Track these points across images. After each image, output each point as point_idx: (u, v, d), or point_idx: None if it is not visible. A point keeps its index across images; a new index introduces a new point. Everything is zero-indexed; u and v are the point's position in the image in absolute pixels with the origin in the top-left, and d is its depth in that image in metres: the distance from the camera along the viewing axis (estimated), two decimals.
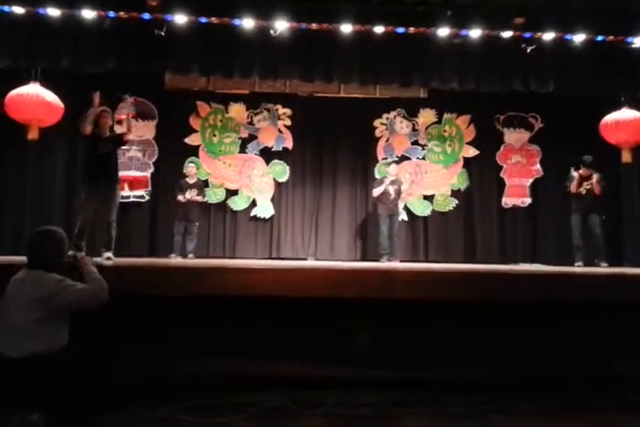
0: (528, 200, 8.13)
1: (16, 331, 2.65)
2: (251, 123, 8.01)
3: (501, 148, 8.21)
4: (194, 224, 7.13)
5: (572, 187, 6.71)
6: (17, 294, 2.69)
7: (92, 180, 5.09)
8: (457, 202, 8.11)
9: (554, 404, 3.55)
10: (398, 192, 7.27)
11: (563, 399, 3.58)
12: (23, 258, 2.94)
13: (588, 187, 6.65)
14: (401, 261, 7.27)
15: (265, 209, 7.88)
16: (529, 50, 6.14)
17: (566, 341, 3.90)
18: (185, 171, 7.32)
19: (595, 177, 6.65)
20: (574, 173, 6.76)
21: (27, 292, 2.67)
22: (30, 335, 2.64)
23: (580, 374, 3.78)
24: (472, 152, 8.19)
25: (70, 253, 3.06)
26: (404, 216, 7.80)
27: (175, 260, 6.69)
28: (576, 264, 6.53)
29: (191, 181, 7.22)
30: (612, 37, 6.15)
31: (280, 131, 8.03)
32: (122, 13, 5.87)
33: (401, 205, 7.60)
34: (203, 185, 7.42)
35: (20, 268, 2.88)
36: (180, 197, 7.02)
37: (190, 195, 7.03)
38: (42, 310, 2.66)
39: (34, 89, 6.06)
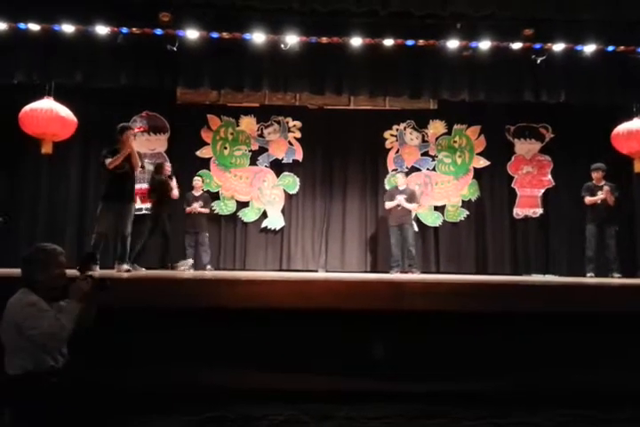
0: (540, 210, 8.07)
1: (6, 347, 2.61)
2: (261, 135, 8.07)
3: (512, 158, 8.19)
4: (204, 235, 7.21)
5: (587, 198, 6.64)
6: (5, 311, 2.65)
7: (108, 197, 5.30)
8: (468, 213, 8.08)
9: (569, 418, 3.49)
10: (411, 199, 7.24)
11: (579, 414, 3.52)
12: None
13: (602, 196, 6.59)
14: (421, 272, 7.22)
15: (275, 221, 7.90)
16: (539, 61, 6.15)
17: (582, 353, 3.85)
18: (193, 184, 7.43)
19: (606, 187, 6.59)
20: (589, 183, 6.72)
21: (7, 310, 2.63)
22: (17, 354, 2.59)
23: (598, 387, 3.71)
24: (482, 163, 8.17)
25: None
26: (415, 227, 7.76)
27: (185, 271, 6.71)
28: (588, 275, 6.46)
29: (197, 193, 7.37)
30: (622, 47, 6.15)
31: (290, 143, 8.07)
32: (134, 29, 5.97)
33: (412, 215, 7.58)
34: (209, 197, 7.52)
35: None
36: (186, 209, 7.20)
37: (195, 206, 7.18)
38: (15, 330, 2.57)
39: (48, 104, 6.15)
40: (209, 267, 7.04)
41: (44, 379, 2.56)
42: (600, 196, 6.60)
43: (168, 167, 6.60)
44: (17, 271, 4.17)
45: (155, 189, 6.41)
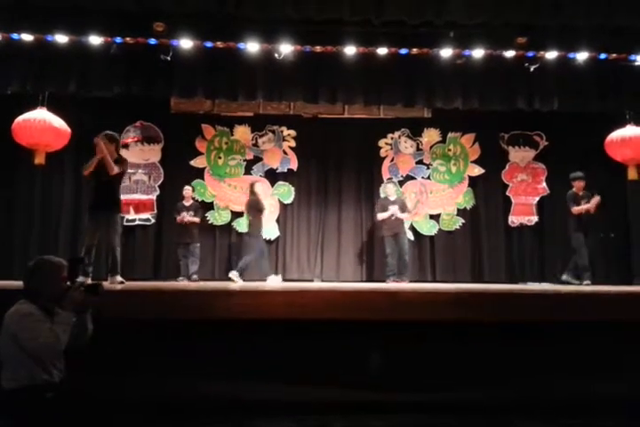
0: (535, 218, 8.07)
1: (3, 360, 2.58)
2: (256, 145, 8.05)
3: (507, 166, 8.20)
4: (195, 246, 7.15)
5: (574, 207, 6.66)
6: (3, 323, 2.63)
7: (93, 207, 5.30)
8: (463, 221, 8.07)
9: None
10: (403, 209, 7.23)
11: (584, 423, 3.48)
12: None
13: (588, 205, 6.61)
14: (409, 281, 7.20)
15: (270, 231, 7.85)
16: (532, 69, 6.18)
17: (581, 361, 3.82)
18: (182, 193, 7.37)
19: (597, 197, 6.61)
20: (571, 192, 6.76)
21: (4, 322, 2.60)
22: (12, 366, 2.56)
23: (595, 396, 3.68)
24: (477, 171, 8.18)
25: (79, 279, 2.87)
26: (410, 236, 7.74)
27: (181, 283, 6.67)
28: (584, 283, 6.46)
29: (187, 203, 7.32)
30: (615, 55, 6.19)
31: (285, 152, 8.05)
32: (128, 39, 5.96)
33: (407, 224, 7.56)
34: (199, 206, 7.45)
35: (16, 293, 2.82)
36: (177, 218, 7.15)
37: (186, 216, 7.12)
38: (11, 342, 2.54)
39: (41, 114, 6.12)
40: (194, 277, 6.95)
41: (39, 394, 2.53)
42: (586, 205, 6.63)
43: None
44: (11, 283, 4.11)
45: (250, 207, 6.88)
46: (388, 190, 7.39)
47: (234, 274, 6.59)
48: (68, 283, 2.72)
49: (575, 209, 6.65)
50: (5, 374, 2.56)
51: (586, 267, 6.56)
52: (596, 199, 6.61)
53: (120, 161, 5.30)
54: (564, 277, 6.72)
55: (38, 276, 2.70)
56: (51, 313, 2.64)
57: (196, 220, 7.24)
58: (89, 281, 4.94)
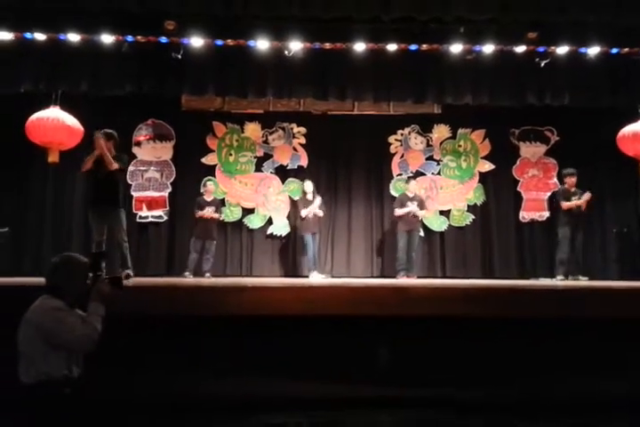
0: (546, 214, 8.03)
1: (23, 355, 2.62)
2: (266, 142, 8.09)
3: (517, 162, 8.17)
4: (212, 242, 7.17)
5: (565, 203, 6.72)
6: (25, 318, 2.67)
7: (94, 203, 5.34)
8: (474, 217, 8.06)
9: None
10: (422, 206, 7.26)
11: (585, 423, 3.48)
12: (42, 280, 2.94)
13: (580, 202, 6.66)
14: (418, 277, 7.22)
15: (281, 227, 7.90)
16: (543, 64, 6.14)
17: (592, 359, 3.81)
18: (203, 189, 7.40)
19: (588, 194, 6.67)
20: (562, 187, 6.82)
21: (29, 316, 2.63)
22: (33, 361, 2.58)
23: (604, 396, 3.66)
24: (488, 167, 8.15)
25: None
26: (420, 232, 7.74)
27: (190, 278, 6.72)
28: (558, 278, 6.48)
29: (208, 198, 7.30)
30: (626, 49, 6.14)
31: (295, 149, 8.08)
32: (139, 37, 6.01)
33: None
34: (219, 203, 7.47)
35: (36, 290, 2.87)
36: (198, 214, 7.09)
37: (210, 211, 7.10)
38: (37, 336, 2.57)
39: (54, 113, 6.18)
40: (208, 275, 6.97)
41: (58, 389, 2.56)
42: (577, 201, 6.71)
43: None
44: (26, 280, 4.18)
45: None
46: (410, 187, 7.40)
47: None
48: (91, 275, 2.78)
49: (565, 204, 6.71)
50: (24, 368, 2.59)
51: (562, 261, 6.61)
52: (586, 196, 6.67)
53: (119, 158, 5.33)
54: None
55: (63, 272, 2.73)
56: (73, 308, 2.70)
57: (217, 216, 7.23)
58: (130, 272, 5.06)
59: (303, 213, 7.24)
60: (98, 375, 2.78)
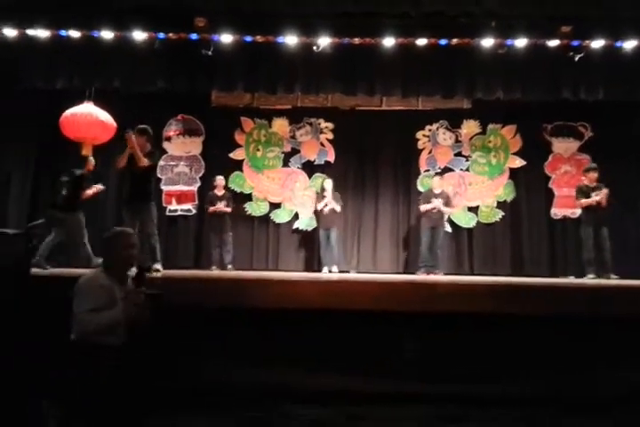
0: (578, 211, 7.86)
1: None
2: (293, 137, 8.12)
3: (549, 157, 8.02)
4: (227, 235, 7.27)
5: (583, 200, 6.46)
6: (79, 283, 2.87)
7: (128, 199, 5.48)
8: (503, 213, 7.95)
9: (607, 423, 3.40)
10: (447, 203, 7.21)
11: (617, 419, 3.43)
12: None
13: (597, 198, 6.37)
14: (445, 273, 7.17)
15: (307, 222, 7.94)
16: (577, 58, 6.02)
17: (620, 357, 3.75)
18: (214, 183, 7.49)
19: (605, 190, 6.38)
20: (582, 184, 6.59)
21: (81, 282, 2.84)
22: (75, 321, 2.75)
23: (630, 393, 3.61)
24: (518, 162, 8.03)
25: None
26: (447, 228, 7.68)
27: (216, 271, 6.83)
28: (589, 276, 6.31)
29: (219, 193, 7.40)
30: None
31: (322, 144, 8.10)
32: (171, 34, 6.10)
33: (445, 217, 7.51)
34: (231, 196, 7.54)
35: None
36: (211, 209, 7.25)
37: (218, 206, 7.22)
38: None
39: (88, 108, 6.31)
40: (230, 267, 7.09)
41: (101, 355, 2.68)
42: (595, 198, 6.39)
43: None
44: (62, 271, 4.29)
45: None
46: (434, 183, 7.37)
47: None
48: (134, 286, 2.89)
49: (583, 202, 6.46)
50: (75, 327, 2.74)
51: (590, 261, 6.39)
52: (603, 192, 6.37)
53: (151, 154, 5.42)
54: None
55: (112, 244, 2.94)
56: (123, 283, 2.89)
57: (228, 210, 7.31)
58: (159, 266, 5.14)
59: (319, 206, 7.33)
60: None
